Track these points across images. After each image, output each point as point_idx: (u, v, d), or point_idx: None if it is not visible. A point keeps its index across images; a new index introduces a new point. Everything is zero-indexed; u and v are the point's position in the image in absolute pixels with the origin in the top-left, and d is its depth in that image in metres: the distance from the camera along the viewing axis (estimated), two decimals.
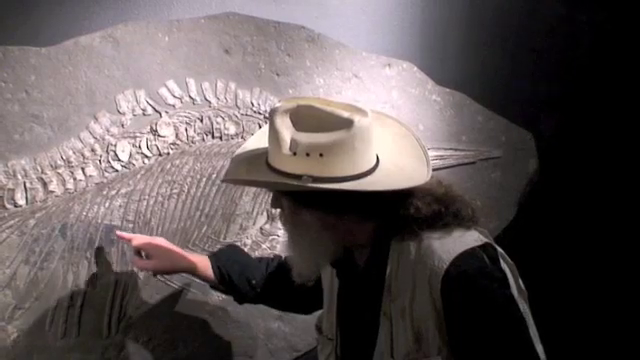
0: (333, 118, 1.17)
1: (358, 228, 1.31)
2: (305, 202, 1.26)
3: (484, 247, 1.24)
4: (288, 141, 1.18)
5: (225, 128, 1.91)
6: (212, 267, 1.67)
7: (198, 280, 1.84)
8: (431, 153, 2.11)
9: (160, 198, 1.83)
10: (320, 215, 1.27)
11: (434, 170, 2.14)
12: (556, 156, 2.41)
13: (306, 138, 1.18)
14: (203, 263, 1.67)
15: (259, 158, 1.30)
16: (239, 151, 1.38)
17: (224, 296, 1.90)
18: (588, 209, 2.43)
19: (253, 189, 1.94)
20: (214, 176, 1.89)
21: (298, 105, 1.20)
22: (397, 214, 1.26)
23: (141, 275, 1.82)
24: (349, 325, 1.42)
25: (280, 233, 1.98)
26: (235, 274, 1.66)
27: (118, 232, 1.73)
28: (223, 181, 1.51)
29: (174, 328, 1.88)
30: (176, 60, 1.85)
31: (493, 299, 1.19)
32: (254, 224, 1.96)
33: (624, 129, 2.47)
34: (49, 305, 1.72)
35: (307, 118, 1.19)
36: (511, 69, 2.35)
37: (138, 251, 1.66)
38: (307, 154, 1.18)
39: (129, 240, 1.68)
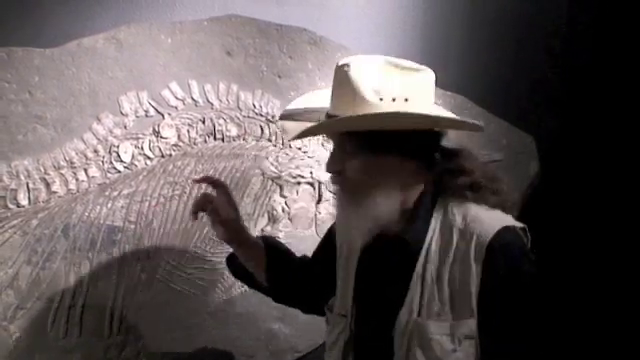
0: (408, 65, 1.25)
1: (415, 183, 1.32)
2: (381, 147, 1.27)
3: (524, 230, 1.30)
4: (374, 88, 1.22)
5: (227, 130, 1.92)
6: (265, 249, 1.60)
7: (200, 282, 1.85)
8: None
9: (162, 199, 1.84)
10: (392, 164, 1.28)
11: None
12: (557, 159, 2.41)
13: (396, 82, 1.23)
14: (257, 245, 1.61)
15: (319, 115, 1.35)
16: (286, 117, 1.42)
17: (225, 296, 1.92)
18: (589, 212, 2.43)
19: (255, 190, 1.95)
20: (216, 177, 1.90)
21: (367, 58, 1.26)
22: (447, 175, 1.31)
23: (142, 276, 1.83)
24: (369, 294, 1.40)
25: (281, 235, 1.98)
26: (284, 262, 1.62)
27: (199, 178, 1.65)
28: (299, 136, 1.32)
29: (175, 329, 1.88)
30: (179, 62, 1.86)
31: (528, 277, 1.25)
32: (255, 226, 1.97)
33: (626, 132, 2.47)
34: (51, 305, 1.73)
35: (383, 69, 1.24)
36: (512, 72, 2.35)
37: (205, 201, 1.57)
38: (393, 99, 1.22)
39: (214, 185, 1.59)
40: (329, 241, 1.57)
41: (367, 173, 1.29)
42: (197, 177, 1.73)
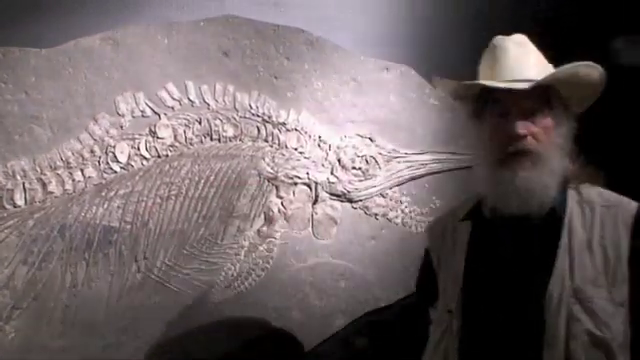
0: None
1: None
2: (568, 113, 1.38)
3: None
4: None
5: (223, 130, 1.92)
6: None
7: (196, 282, 1.87)
8: (428, 157, 2.14)
9: (158, 200, 1.84)
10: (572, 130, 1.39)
11: (431, 174, 2.19)
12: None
13: None
14: None
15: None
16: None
17: (221, 297, 1.93)
18: None
19: (251, 191, 1.95)
20: (212, 178, 1.90)
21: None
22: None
23: (139, 276, 1.83)
24: (492, 278, 1.41)
25: (277, 235, 1.99)
26: None
27: None
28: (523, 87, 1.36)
29: (171, 329, 1.88)
30: (175, 62, 1.86)
31: None
32: (251, 226, 1.97)
33: (629, 135, 2.46)
34: (47, 305, 1.72)
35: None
36: None
37: None
38: None
39: None
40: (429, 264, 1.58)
41: (552, 132, 1.36)
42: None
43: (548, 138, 1.35)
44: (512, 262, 1.38)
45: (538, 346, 1.30)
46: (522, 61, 1.38)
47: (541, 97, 1.35)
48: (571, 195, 1.40)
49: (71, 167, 1.74)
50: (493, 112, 1.38)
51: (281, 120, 1.98)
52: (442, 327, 1.44)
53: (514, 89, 1.33)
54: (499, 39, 1.42)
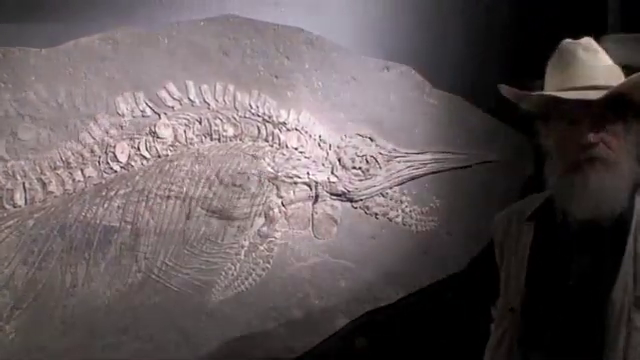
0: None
1: None
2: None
3: None
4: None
5: (224, 130, 1.92)
6: None
7: (196, 282, 1.86)
8: (428, 157, 2.14)
9: (158, 200, 1.84)
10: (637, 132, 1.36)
11: (431, 174, 2.18)
12: None
13: None
14: None
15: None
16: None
17: (221, 297, 1.92)
18: None
19: (252, 191, 1.95)
20: (212, 178, 1.90)
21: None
22: None
23: (139, 276, 1.83)
24: (556, 280, 1.40)
25: (277, 235, 1.99)
26: None
27: None
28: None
29: (172, 329, 1.88)
30: (175, 62, 1.86)
31: None
32: (251, 226, 1.97)
33: None
34: (47, 305, 1.72)
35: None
36: (511, 73, 2.35)
37: None
38: None
39: None
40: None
41: (625, 139, 1.35)
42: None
43: (619, 144, 1.35)
44: (577, 266, 1.37)
45: (598, 352, 1.30)
46: (592, 67, 1.38)
47: (612, 104, 1.34)
48: (638, 199, 1.38)
49: (71, 167, 1.73)
50: (562, 118, 1.38)
51: (281, 120, 1.98)
52: (503, 326, 1.45)
53: (586, 100, 1.32)
54: (568, 43, 1.41)
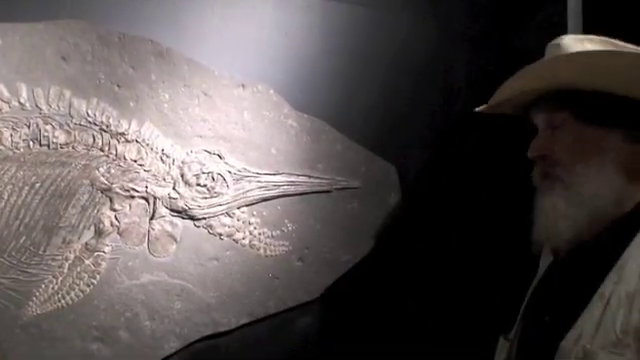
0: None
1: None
2: (599, 116, 1.10)
3: None
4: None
5: (54, 136, 1.84)
6: None
7: (12, 293, 1.78)
8: (282, 178, 2.08)
9: None
10: (613, 141, 1.12)
11: (284, 196, 2.12)
12: (422, 193, 2.35)
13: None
14: None
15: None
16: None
17: (39, 311, 1.83)
18: (448, 249, 2.36)
19: (82, 202, 1.86)
20: (37, 185, 1.82)
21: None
22: None
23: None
24: (537, 312, 1.26)
25: (107, 250, 1.90)
26: None
27: None
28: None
29: None
30: (8, 64, 1.80)
31: None
32: (79, 238, 1.88)
33: (495, 167, 2.43)
34: None
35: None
36: (379, 100, 2.31)
37: None
38: None
39: None
40: None
41: (581, 150, 1.12)
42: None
43: (573, 157, 1.13)
44: (553, 301, 1.21)
45: None
46: (556, 58, 1.15)
47: (567, 104, 1.13)
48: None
49: None
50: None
51: (121, 130, 1.91)
52: (501, 357, 1.32)
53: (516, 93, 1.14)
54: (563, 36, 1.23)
